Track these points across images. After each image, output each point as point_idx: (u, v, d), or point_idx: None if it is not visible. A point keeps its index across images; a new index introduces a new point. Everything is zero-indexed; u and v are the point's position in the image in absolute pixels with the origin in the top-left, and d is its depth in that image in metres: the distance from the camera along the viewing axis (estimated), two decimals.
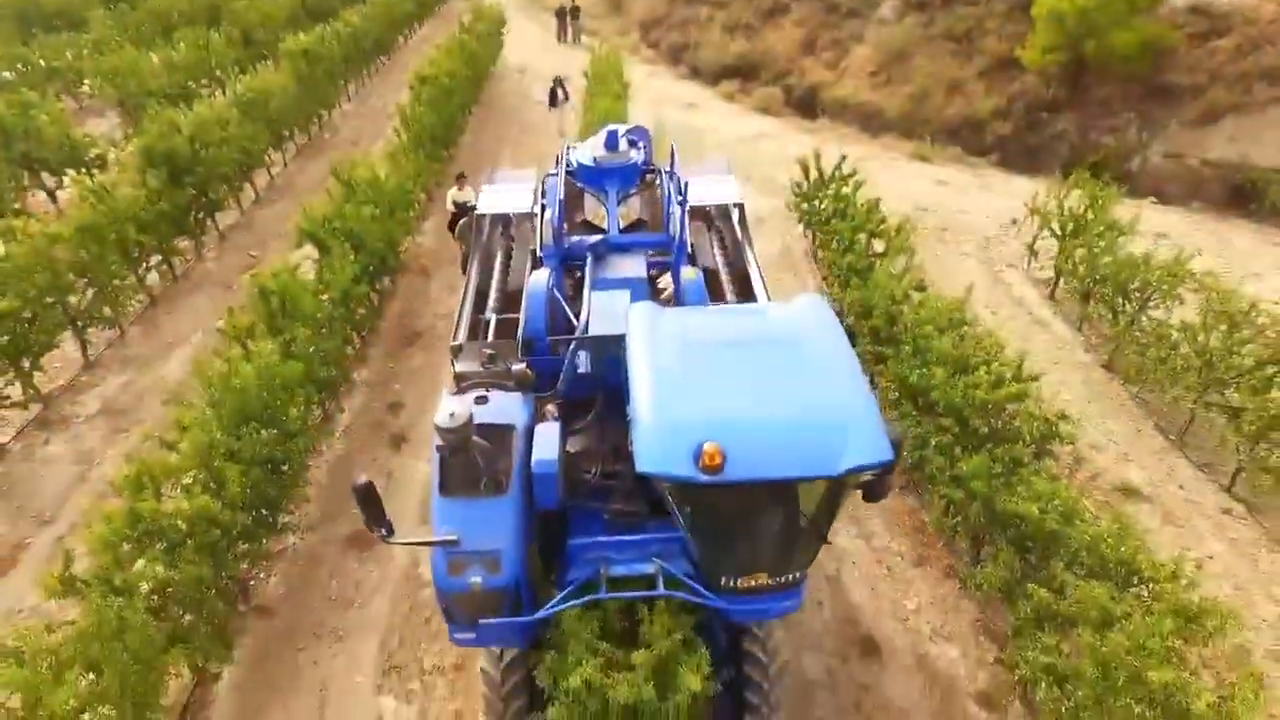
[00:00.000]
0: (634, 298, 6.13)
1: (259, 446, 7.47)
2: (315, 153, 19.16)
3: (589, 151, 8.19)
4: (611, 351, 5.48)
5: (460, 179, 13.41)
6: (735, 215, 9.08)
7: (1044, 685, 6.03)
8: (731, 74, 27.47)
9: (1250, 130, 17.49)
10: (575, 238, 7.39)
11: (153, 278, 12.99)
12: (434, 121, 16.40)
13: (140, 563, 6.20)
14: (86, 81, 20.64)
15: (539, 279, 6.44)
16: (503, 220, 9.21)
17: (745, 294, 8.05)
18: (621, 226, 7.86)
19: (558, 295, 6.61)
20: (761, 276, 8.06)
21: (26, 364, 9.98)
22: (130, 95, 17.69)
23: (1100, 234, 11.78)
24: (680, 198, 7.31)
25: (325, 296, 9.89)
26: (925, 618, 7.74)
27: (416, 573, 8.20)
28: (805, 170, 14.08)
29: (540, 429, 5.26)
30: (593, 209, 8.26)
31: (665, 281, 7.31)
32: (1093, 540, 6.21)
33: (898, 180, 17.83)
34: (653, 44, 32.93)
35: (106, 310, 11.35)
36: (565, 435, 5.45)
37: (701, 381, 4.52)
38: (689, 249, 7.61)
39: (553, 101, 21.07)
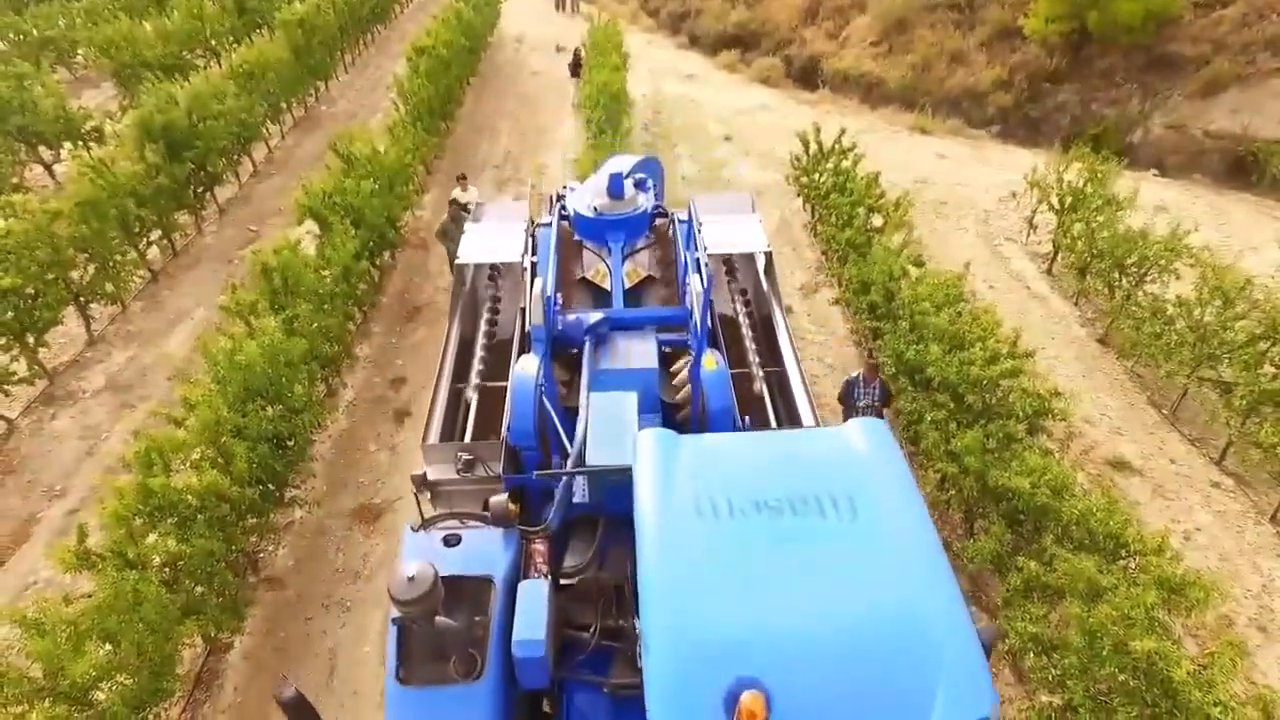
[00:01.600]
0: (643, 399, 5.02)
1: (265, 423, 7.59)
2: (313, 125, 19.05)
3: (588, 197, 7.09)
4: (614, 480, 4.19)
5: (461, 179, 12.92)
6: (761, 264, 7.80)
7: (1032, 654, 6.22)
8: (731, 43, 27.21)
9: (1253, 101, 17.41)
10: (571, 316, 5.91)
11: (153, 253, 13.02)
12: (431, 94, 16.29)
13: (152, 537, 6.34)
14: (80, 52, 20.43)
15: (525, 371, 5.05)
16: (489, 268, 7.96)
17: (770, 353, 6.96)
18: (628, 285, 6.70)
19: (548, 406, 5.12)
20: (791, 341, 6.87)
21: (31, 340, 10.07)
22: (125, 66, 17.54)
23: (1099, 208, 11.81)
24: (701, 269, 6.09)
25: (326, 273, 9.94)
26: None
27: None
28: (805, 144, 14.04)
29: (524, 591, 4.05)
30: (592, 264, 7.00)
31: (681, 365, 5.92)
32: (1082, 514, 6.35)
33: (898, 153, 17.78)
34: (652, 12, 32.55)
35: (109, 286, 11.40)
36: (556, 586, 4.27)
37: (733, 577, 3.20)
38: (710, 323, 6.11)
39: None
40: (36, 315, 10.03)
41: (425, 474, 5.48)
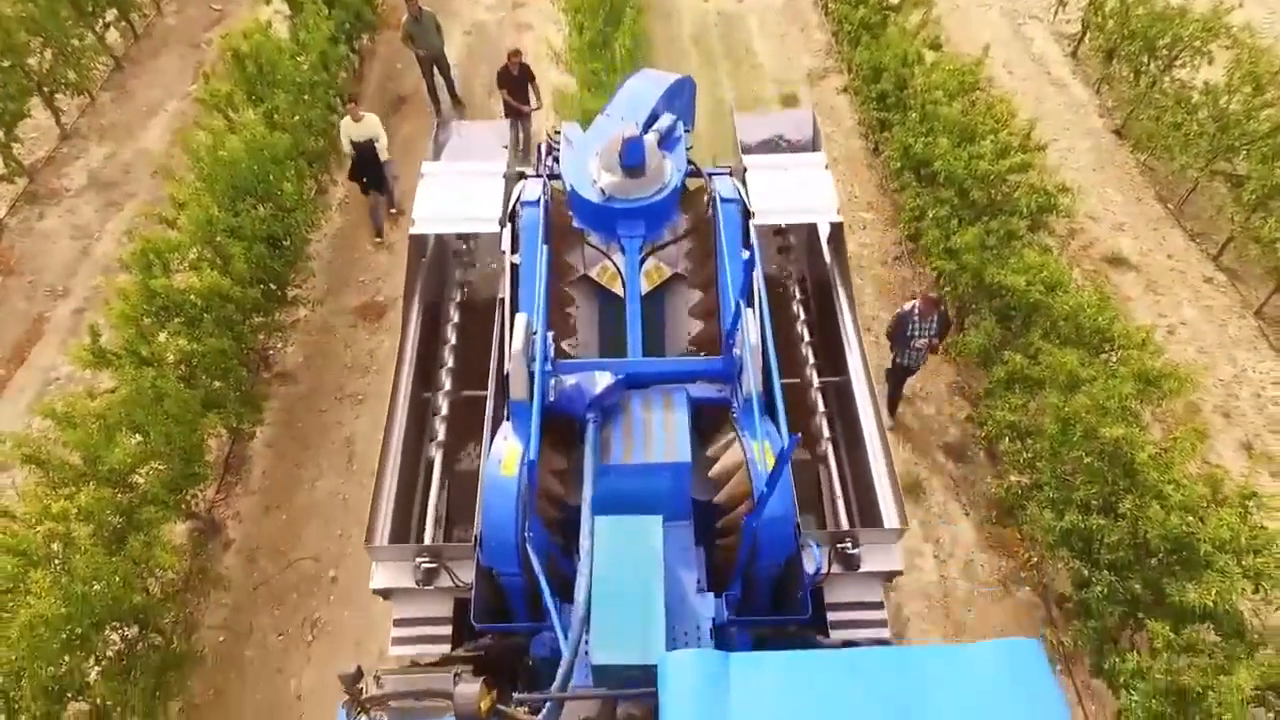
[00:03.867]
0: (669, 502, 3.75)
1: (258, 223, 7.48)
2: None
3: (591, 168, 4.79)
4: (627, 677, 2.92)
5: (351, 103, 9.00)
6: (825, 235, 6.23)
7: (1007, 440, 6.64)
8: None
9: None
10: (570, 381, 3.93)
11: (113, 36, 12.09)
12: None
13: (162, 336, 6.50)
14: None
15: (503, 465, 3.75)
16: (460, 242, 6.28)
17: (824, 343, 5.69)
18: (647, 289, 4.84)
19: (535, 555, 3.56)
20: (858, 338, 5.63)
21: (1, 134, 9.64)
22: None
23: None
24: (756, 299, 4.32)
25: (303, 59, 9.29)
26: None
27: None
28: None
29: None
30: (597, 260, 5.06)
31: (722, 447, 4.08)
32: (1073, 310, 6.48)
33: None
34: None
35: (71, 74, 10.70)
36: None
37: None
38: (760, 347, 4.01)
39: None
40: (0, 107, 9.52)
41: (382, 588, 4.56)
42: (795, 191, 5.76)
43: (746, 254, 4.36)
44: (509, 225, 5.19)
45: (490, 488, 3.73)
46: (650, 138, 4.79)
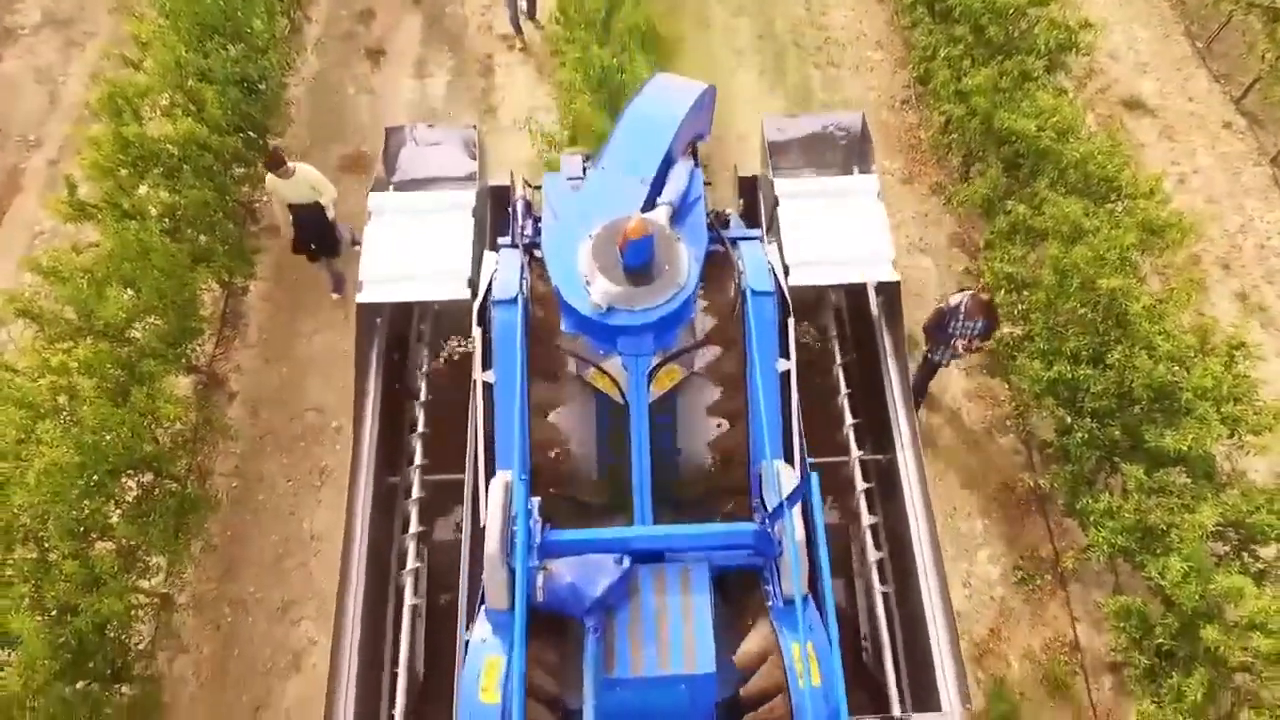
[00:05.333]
0: (690, 712, 3.09)
1: (229, 64, 7.06)
2: None
3: (581, 260, 3.38)
4: None
5: (275, 158, 6.55)
6: (876, 304, 5.04)
7: (1003, 290, 6.61)
8: None
9: None
10: (565, 577, 3.02)
11: None
12: None
13: (143, 189, 6.31)
14: None
15: (482, 689, 3.00)
16: (423, 313, 5.22)
17: (868, 415, 4.87)
18: (656, 395, 3.69)
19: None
20: (908, 415, 4.79)
21: None
22: None
23: None
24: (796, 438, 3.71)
25: None
26: (905, 232, 8.13)
27: None
28: None
29: None
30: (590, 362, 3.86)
31: (751, 649, 3.19)
32: (1083, 157, 6.26)
33: None
34: None
35: None
36: None
37: None
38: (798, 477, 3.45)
39: None
40: None
41: None
42: (839, 233, 4.77)
43: (784, 365, 3.67)
44: (477, 320, 3.98)
45: (466, 708, 2.99)
46: (662, 216, 3.50)
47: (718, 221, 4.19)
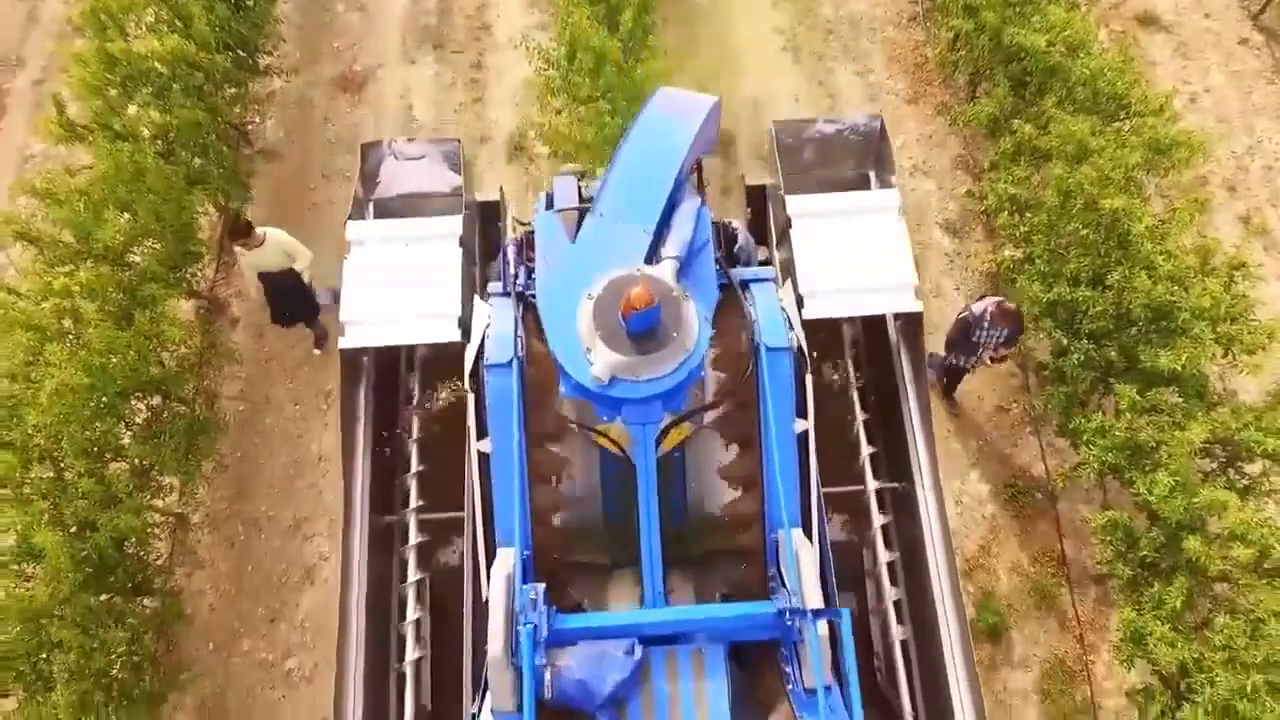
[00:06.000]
0: None
1: None
2: None
3: (581, 324, 3.04)
4: None
5: (240, 229, 6.05)
6: (896, 337, 4.81)
7: (1006, 213, 6.57)
8: None
9: None
10: (575, 673, 2.89)
11: None
12: None
13: (133, 108, 6.19)
14: None
15: None
16: (410, 356, 4.85)
17: (889, 457, 4.63)
18: (663, 452, 3.45)
19: None
20: (931, 460, 4.55)
21: None
22: None
23: None
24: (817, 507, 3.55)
25: None
26: (909, 154, 8.02)
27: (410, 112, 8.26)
28: None
29: None
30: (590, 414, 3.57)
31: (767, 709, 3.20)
32: (1093, 74, 6.12)
33: None
34: None
35: None
36: None
37: None
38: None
39: None
40: None
41: None
42: (857, 257, 4.44)
43: (802, 425, 3.39)
44: (470, 381, 3.72)
45: None
46: (668, 272, 3.14)
47: (724, 237, 3.91)
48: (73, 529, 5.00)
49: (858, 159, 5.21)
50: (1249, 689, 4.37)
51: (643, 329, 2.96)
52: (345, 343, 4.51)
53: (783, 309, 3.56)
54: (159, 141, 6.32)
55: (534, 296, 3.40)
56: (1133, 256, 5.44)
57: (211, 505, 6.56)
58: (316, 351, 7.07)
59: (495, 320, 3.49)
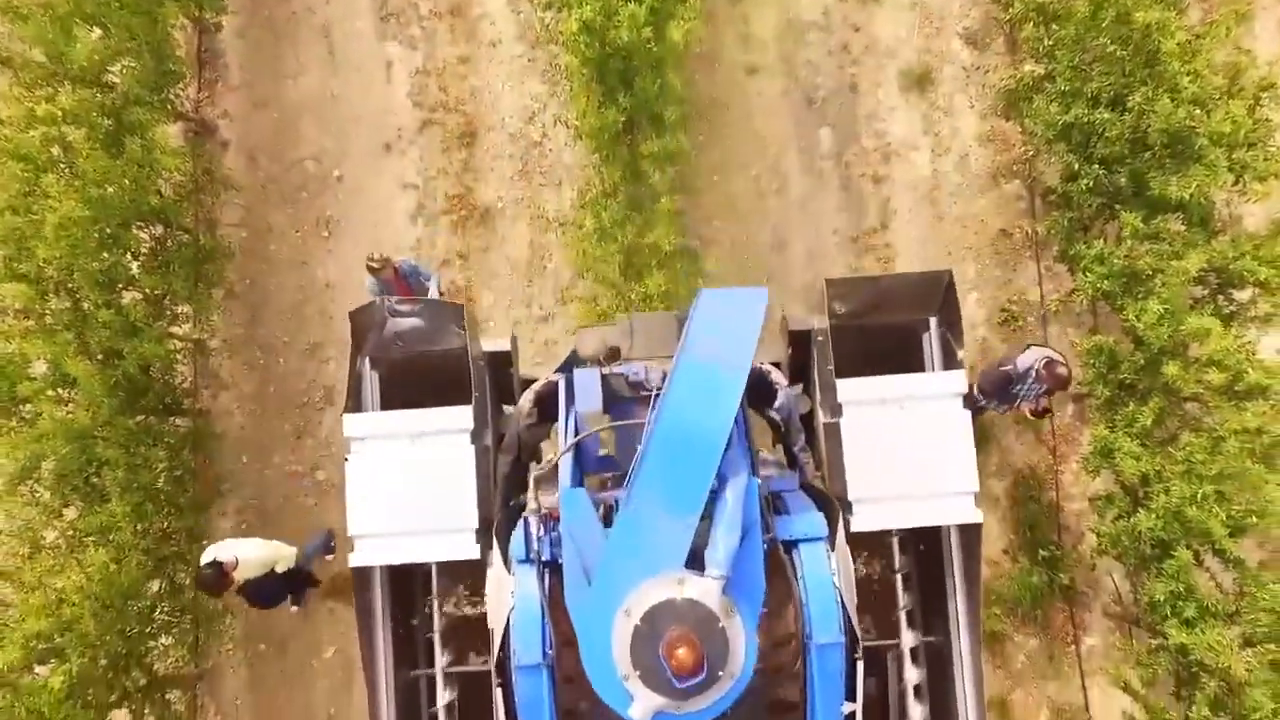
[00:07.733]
0: None
1: None
2: None
3: (615, 648, 2.75)
4: None
5: (210, 580, 5.17)
6: (957, 557, 4.27)
7: (1032, 24, 6.17)
8: None
9: None
10: None
11: None
12: None
13: None
14: None
15: None
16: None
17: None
18: None
19: None
20: (974, 624, 4.18)
21: None
22: None
23: None
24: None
25: None
26: None
27: None
28: None
29: None
30: None
31: None
32: None
33: None
34: None
35: None
36: None
37: None
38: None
39: None
40: None
41: None
42: (914, 456, 4.02)
43: (850, 708, 3.11)
44: (496, 676, 3.29)
45: None
46: (714, 594, 2.78)
47: (763, 389, 3.64)
48: (99, 357, 5.21)
49: (917, 305, 4.57)
50: (1199, 497, 4.78)
51: (686, 684, 2.69)
52: (356, 560, 4.19)
53: (837, 591, 3.13)
54: None
55: (559, 568, 3.05)
56: (1158, 76, 5.20)
57: (227, 331, 6.75)
58: (294, 609, 6.25)
59: (519, 601, 3.09)
